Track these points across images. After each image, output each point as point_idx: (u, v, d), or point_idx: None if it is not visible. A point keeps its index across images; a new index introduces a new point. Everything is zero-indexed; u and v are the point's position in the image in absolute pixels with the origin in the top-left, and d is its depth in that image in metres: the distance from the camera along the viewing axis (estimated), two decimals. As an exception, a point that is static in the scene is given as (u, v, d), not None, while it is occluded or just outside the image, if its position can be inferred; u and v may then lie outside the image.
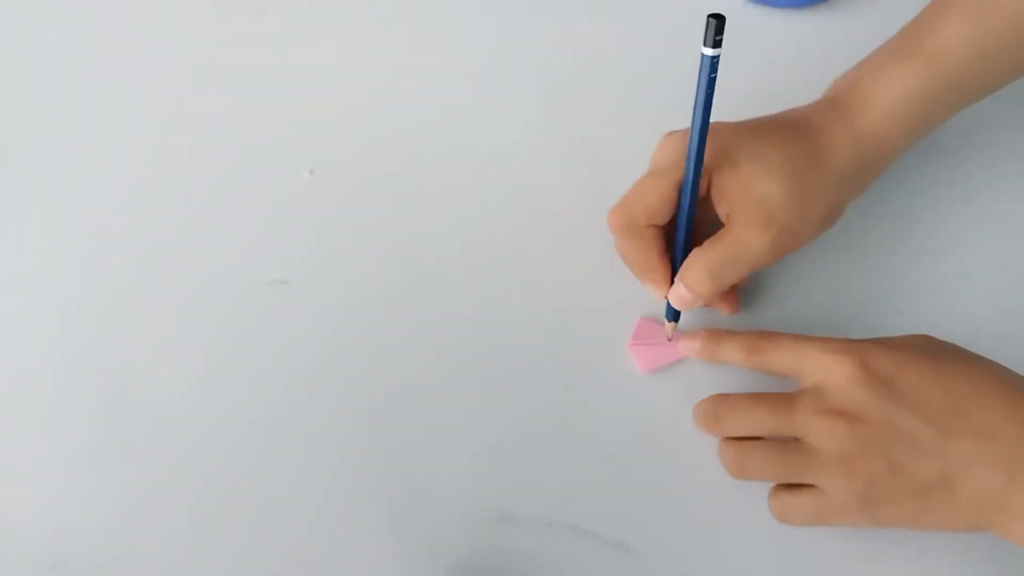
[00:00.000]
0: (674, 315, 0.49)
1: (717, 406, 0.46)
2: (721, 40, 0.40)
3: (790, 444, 0.44)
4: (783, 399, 0.45)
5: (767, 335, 0.47)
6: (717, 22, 0.40)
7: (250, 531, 0.48)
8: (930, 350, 0.45)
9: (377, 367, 0.51)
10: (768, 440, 0.45)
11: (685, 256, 0.47)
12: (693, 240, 0.48)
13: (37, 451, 0.50)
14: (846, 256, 0.52)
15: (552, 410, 0.50)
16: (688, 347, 0.49)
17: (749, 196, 0.46)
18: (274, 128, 0.56)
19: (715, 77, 0.42)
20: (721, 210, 0.47)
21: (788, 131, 0.47)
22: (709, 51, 0.41)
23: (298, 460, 0.49)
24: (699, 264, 0.46)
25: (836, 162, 0.47)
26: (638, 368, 0.50)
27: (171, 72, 0.58)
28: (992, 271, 0.52)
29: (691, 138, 0.44)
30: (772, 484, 0.46)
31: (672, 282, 0.48)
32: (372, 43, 0.58)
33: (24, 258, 0.53)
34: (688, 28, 0.57)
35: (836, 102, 0.48)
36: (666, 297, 0.49)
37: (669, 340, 0.50)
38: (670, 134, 0.48)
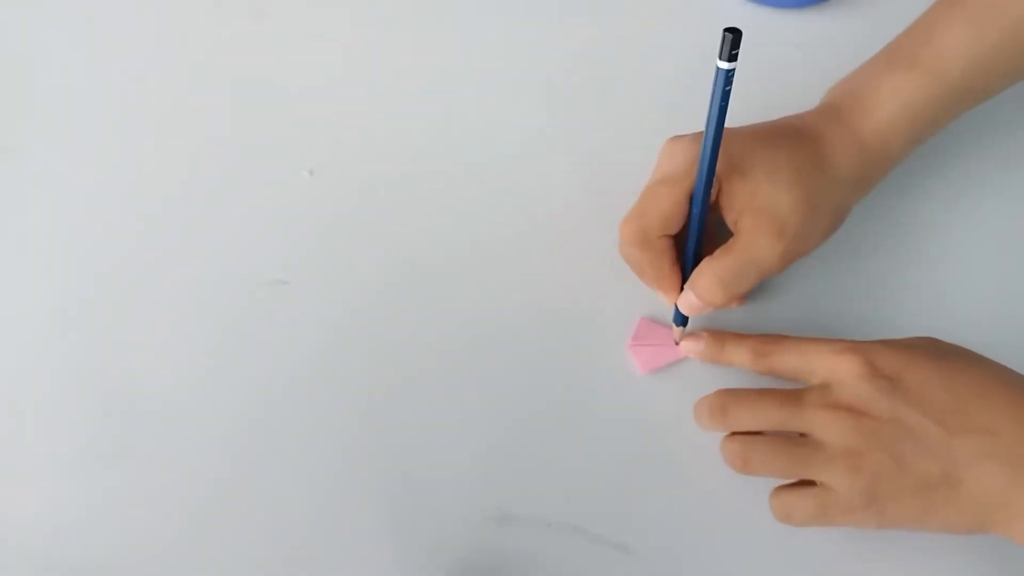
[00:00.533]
0: (682, 320, 0.49)
1: (724, 400, 0.46)
2: (737, 54, 0.40)
3: (795, 439, 0.44)
4: (790, 394, 0.45)
5: (773, 338, 0.47)
6: (733, 36, 0.40)
7: (250, 531, 0.48)
8: (934, 350, 0.45)
9: (377, 367, 0.51)
10: (773, 435, 0.45)
11: (695, 264, 0.47)
12: (701, 245, 0.48)
13: (37, 451, 0.50)
14: (847, 258, 0.52)
15: (552, 410, 0.50)
16: (690, 348, 0.49)
17: (759, 205, 0.46)
18: (274, 128, 0.56)
19: (730, 90, 0.42)
20: (730, 218, 0.47)
21: (794, 139, 0.47)
22: (725, 64, 0.41)
23: (298, 460, 0.49)
24: (710, 273, 0.46)
25: (841, 169, 0.47)
26: (638, 369, 0.50)
27: (171, 72, 0.58)
28: (992, 272, 0.52)
29: (703, 149, 0.44)
30: (774, 484, 0.46)
31: (682, 289, 0.48)
32: (372, 43, 0.58)
33: (24, 258, 0.53)
34: (689, 29, 0.57)
35: (838, 109, 0.49)
36: (675, 304, 0.49)
37: (677, 344, 0.50)
38: (676, 139, 0.48)
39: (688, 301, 0.48)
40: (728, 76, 0.41)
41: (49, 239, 0.54)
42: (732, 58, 0.40)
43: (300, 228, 0.54)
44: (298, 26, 0.59)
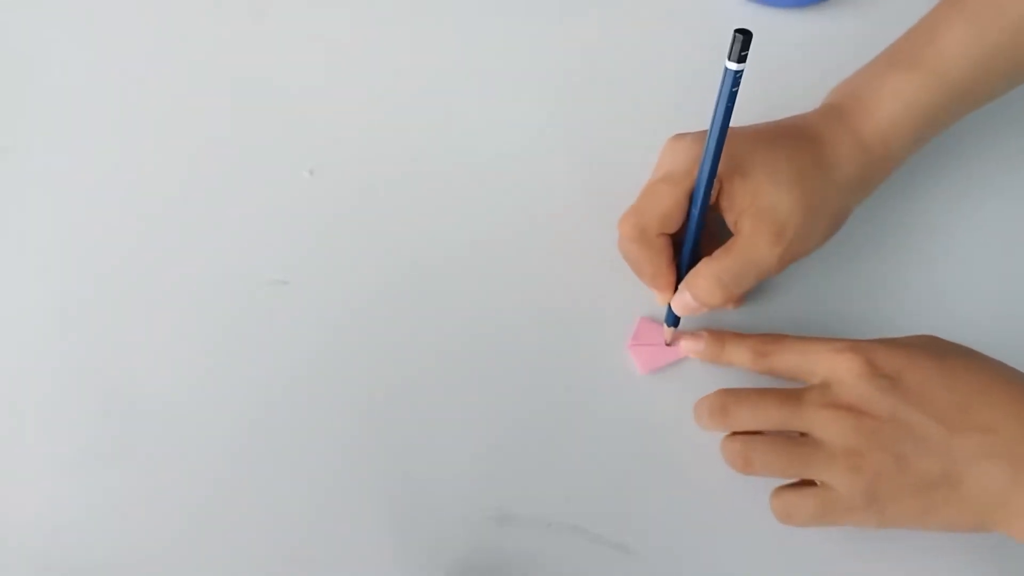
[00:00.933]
0: (674, 320, 0.49)
1: (725, 399, 0.46)
2: (747, 55, 0.40)
3: (796, 438, 0.44)
4: (791, 393, 0.45)
5: (773, 338, 0.47)
6: (744, 37, 0.40)
7: (250, 531, 0.48)
8: (935, 349, 0.45)
9: (377, 367, 0.51)
10: (773, 435, 0.45)
11: (692, 264, 0.47)
12: (699, 246, 0.48)
13: (37, 451, 0.50)
14: (848, 258, 0.52)
15: (552, 410, 0.50)
16: (690, 347, 0.49)
17: (759, 207, 0.46)
18: (274, 128, 0.56)
19: (737, 91, 0.42)
20: (729, 218, 0.47)
21: (796, 140, 0.47)
22: (734, 66, 0.41)
23: (298, 460, 0.49)
24: (708, 274, 0.46)
25: (842, 171, 0.47)
26: (638, 369, 0.50)
27: (171, 72, 0.58)
28: (993, 272, 0.52)
29: (707, 149, 0.44)
30: (774, 484, 0.46)
31: (677, 288, 0.48)
32: (372, 43, 0.58)
33: (24, 258, 0.53)
34: (689, 29, 0.58)
35: (840, 111, 0.49)
36: (668, 303, 0.49)
37: (668, 345, 0.50)
38: (678, 137, 0.48)
39: (683, 301, 0.48)
40: (736, 77, 0.41)
41: (49, 239, 0.54)
42: (742, 59, 0.40)
43: (300, 228, 0.54)
44: (298, 26, 0.59)
